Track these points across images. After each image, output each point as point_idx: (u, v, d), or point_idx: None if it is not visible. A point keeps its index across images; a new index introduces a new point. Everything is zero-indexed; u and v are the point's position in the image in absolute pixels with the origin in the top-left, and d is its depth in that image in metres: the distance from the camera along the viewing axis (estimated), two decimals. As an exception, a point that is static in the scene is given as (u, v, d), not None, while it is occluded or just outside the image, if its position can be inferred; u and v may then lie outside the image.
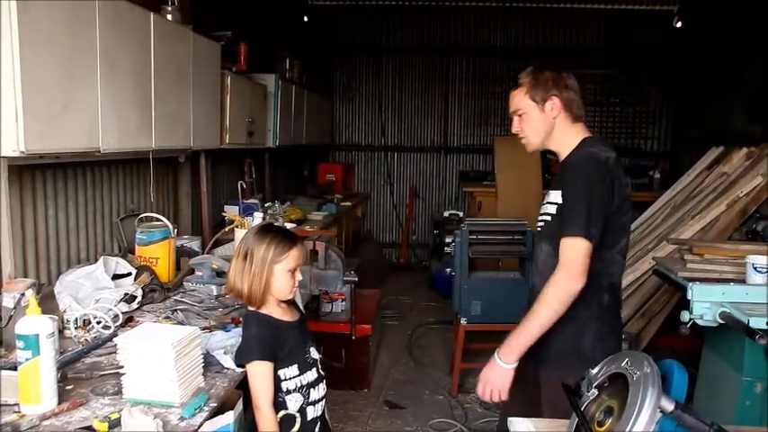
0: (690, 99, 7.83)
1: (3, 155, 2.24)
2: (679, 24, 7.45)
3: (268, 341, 2.07)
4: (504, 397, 2.17)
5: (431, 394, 4.60)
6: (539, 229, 2.35)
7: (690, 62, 7.65)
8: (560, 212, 2.17)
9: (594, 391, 1.55)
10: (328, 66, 8.82)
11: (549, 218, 2.24)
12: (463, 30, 8.74)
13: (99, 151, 2.68)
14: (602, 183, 2.09)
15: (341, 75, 9.07)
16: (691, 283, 2.90)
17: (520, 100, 2.25)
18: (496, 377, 2.16)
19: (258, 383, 2.04)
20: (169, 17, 3.46)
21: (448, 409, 4.33)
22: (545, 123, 2.24)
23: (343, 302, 4.36)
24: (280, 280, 2.09)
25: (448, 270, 6.78)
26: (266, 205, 4.06)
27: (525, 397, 2.29)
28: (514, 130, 2.32)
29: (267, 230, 2.15)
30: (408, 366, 5.15)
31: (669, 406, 1.35)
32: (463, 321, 4.40)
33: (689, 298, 2.89)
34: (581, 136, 2.24)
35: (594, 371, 1.59)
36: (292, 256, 2.10)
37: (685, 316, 2.87)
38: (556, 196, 2.21)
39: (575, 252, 2.06)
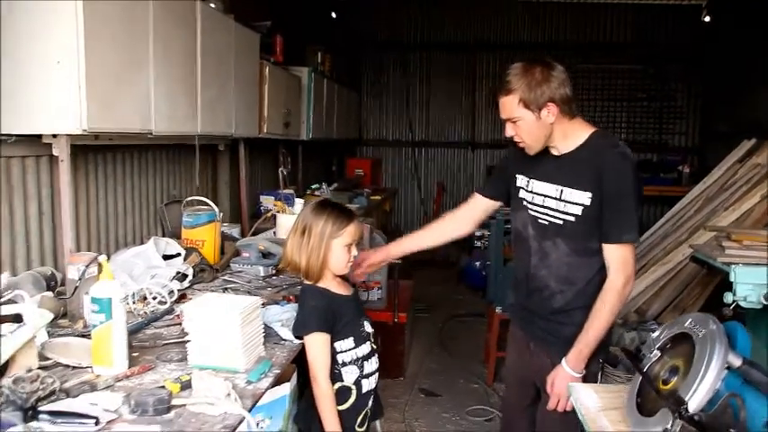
0: (718, 93, 7.79)
1: (66, 132, 2.33)
2: (708, 19, 7.42)
3: (325, 313, 2.12)
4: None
5: (465, 383, 4.64)
6: (544, 223, 2.28)
7: (718, 56, 7.63)
8: (587, 214, 2.14)
9: (657, 353, 1.58)
10: (356, 61, 8.89)
11: (571, 218, 2.18)
12: (490, 25, 8.77)
13: (151, 133, 2.76)
14: (639, 183, 2.15)
15: (369, 70, 9.14)
16: (734, 266, 2.92)
17: (513, 108, 2.14)
18: (562, 384, 2.17)
19: (316, 354, 2.09)
20: (212, 5, 3.53)
21: (484, 396, 4.36)
22: (543, 129, 2.16)
23: (380, 291, 4.40)
24: (337, 254, 2.14)
25: (477, 264, 6.83)
26: (314, 186, 4.11)
27: (525, 396, 2.45)
28: (509, 135, 2.23)
29: (325, 206, 2.19)
30: (441, 356, 5.19)
31: (737, 361, 1.38)
32: (498, 310, 4.43)
33: (731, 280, 2.90)
34: (586, 130, 2.21)
35: (655, 334, 1.63)
36: (349, 232, 2.15)
37: (729, 297, 2.89)
38: (579, 197, 2.16)
39: (631, 258, 2.13)
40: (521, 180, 2.36)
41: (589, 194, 2.13)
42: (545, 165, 2.25)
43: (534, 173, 2.30)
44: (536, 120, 2.12)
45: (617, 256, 2.12)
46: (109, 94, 2.41)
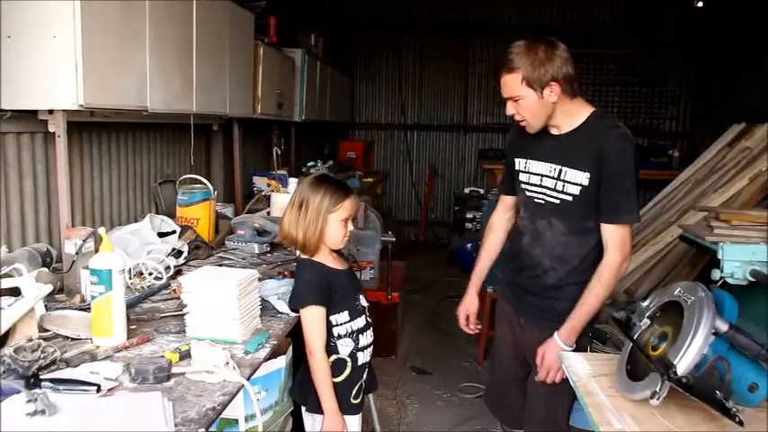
0: (709, 79, 7.84)
1: (63, 108, 2.34)
2: (700, 4, 7.45)
3: (321, 286, 2.15)
4: (555, 377, 2.24)
5: (457, 361, 4.70)
6: (540, 202, 2.30)
7: (709, 41, 7.67)
8: (586, 194, 2.17)
9: (647, 321, 1.62)
10: (349, 45, 8.87)
11: (569, 197, 2.20)
12: (483, 8, 8.75)
13: (147, 110, 2.77)
14: (637, 165, 2.17)
15: (361, 53, 9.13)
16: (721, 243, 2.97)
17: (515, 87, 2.12)
18: (553, 356, 2.21)
19: (312, 327, 2.12)
20: (207, -16, 3.53)
21: (475, 374, 4.43)
22: (545, 108, 2.15)
23: (372, 271, 4.44)
24: (333, 229, 2.16)
25: (469, 245, 6.87)
26: (309, 164, 4.13)
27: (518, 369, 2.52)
28: (510, 113, 2.22)
29: (322, 180, 2.22)
30: (433, 336, 5.25)
31: (724, 326, 1.42)
32: (489, 290, 4.47)
33: (719, 257, 2.96)
34: (586, 110, 2.21)
35: (645, 303, 1.67)
36: (346, 207, 2.17)
37: (716, 274, 2.94)
38: (578, 176, 2.17)
39: (628, 237, 2.17)
40: (518, 163, 2.38)
41: (587, 174, 2.15)
42: (543, 144, 2.27)
43: (531, 153, 2.32)
44: (538, 99, 2.12)
45: (615, 236, 2.16)
46: (105, 70, 2.42)
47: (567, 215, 2.23)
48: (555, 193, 2.25)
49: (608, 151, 2.12)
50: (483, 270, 2.63)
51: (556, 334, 2.22)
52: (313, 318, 2.12)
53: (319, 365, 2.14)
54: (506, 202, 2.58)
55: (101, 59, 2.37)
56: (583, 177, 2.16)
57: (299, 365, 2.34)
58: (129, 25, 2.58)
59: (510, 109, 2.21)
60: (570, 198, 2.21)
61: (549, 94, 2.11)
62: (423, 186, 9.24)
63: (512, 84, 2.13)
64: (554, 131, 2.25)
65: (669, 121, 8.80)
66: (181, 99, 3.11)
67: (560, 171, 2.22)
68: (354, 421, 2.28)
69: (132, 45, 2.62)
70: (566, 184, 2.21)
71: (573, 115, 2.21)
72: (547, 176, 2.27)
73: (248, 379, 1.75)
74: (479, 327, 2.71)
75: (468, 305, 2.62)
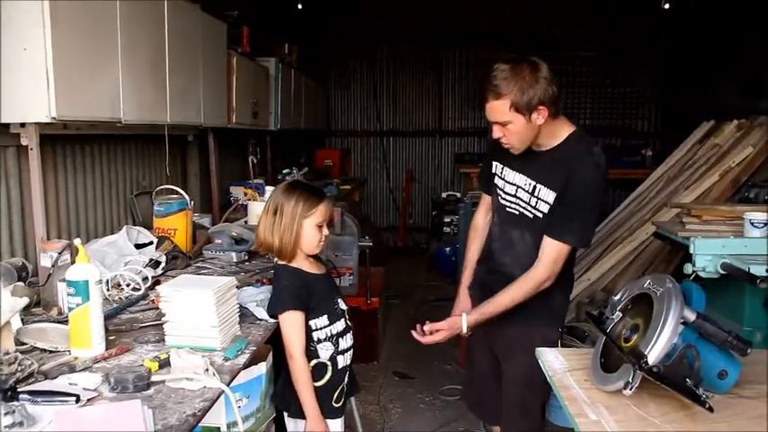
0: (679, 78, 7.97)
1: (35, 121, 2.34)
2: (667, 6, 7.57)
3: (299, 291, 2.16)
4: (437, 340, 2.36)
5: (439, 364, 4.73)
6: (513, 212, 2.35)
7: (678, 42, 7.80)
8: (552, 213, 2.23)
9: (619, 314, 1.66)
10: (323, 53, 8.88)
11: (539, 214, 2.26)
12: (455, 16, 8.80)
13: (121, 122, 2.77)
14: (604, 192, 2.25)
15: (335, 61, 9.16)
16: (693, 237, 3.02)
17: (503, 113, 2.12)
18: (451, 330, 2.33)
19: (291, 332, 2.14)
20: (178, -6, 3.53)
21: (457, 376, 4.44)
22: (532, 131, 2.17)
23: (351, 277, 4.45)
24: (308, 233, 2.18)
25: (448, 250, 6.91)
26: (285, 171, 4.14)
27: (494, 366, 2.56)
28: (496, 136, 2.22)
29: (295, 186, 2.24)
30: (414, 341, 5.21)
31: (691, 316, 1.46)
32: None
33: (691, 252, 3.01)
34: (567, 129, 2.25)
35: (617, 297, 1.71)
36: (320, 211, 2.20)
37: (688, 268, 2.99)
38: (548, 195, 2.22)
39: (561, 256, 2.23)
40: (495, 167, 2.43)
41: (555, 194, 2.21)
42: (521, 157, 2.29)
43: (509, 162, 2.36)
44: (526, 123, 2.13)
45: (551, 251, 2.22)
46: (77, 82, 2.41)
47: (539, 231, 2.28)
48: (530, 208, 2.30)
49: (575, 179, 2.17)
50: (471, 273, 2.64)
51: (464, 314, 2.31)
52: (292, 323, 2.14)
53: (299, 369, 2.15)
54: (487, 202, 2.61)
55: (72, 71, 2.37)
56: (551, 196, 2.22)
57: (280, 372, 2.35)
58: (100, 36, 2.58)
59: (497, 132, 2.21)
60: (541, 215, 2.27)
61: (536, 117, 2.13)
62: (400, 192, 9.28)
63: (500, 109, 2.13)
64: (534, 148, 2.28)
65: (641, 121, 8.94)
66: (155, 110, 3.11)
67: (534, 187, 2.27)
68: (337, 425, 2.30)
69: (104, 56, 2.62)
70: (539, 201, 2.26)
71: (554, 134, 2.25)
72: (522, 189, 2.32)
73: (228, 385, 1.75)
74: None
75: (463, 307, 2.63)
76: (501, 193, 2.40)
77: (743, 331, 3.09)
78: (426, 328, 2.32)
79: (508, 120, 2.13)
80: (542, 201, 2.25)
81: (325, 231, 2.25)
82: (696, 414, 1.46)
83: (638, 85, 8.81)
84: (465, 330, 2.31)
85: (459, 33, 8.82)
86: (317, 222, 2.19)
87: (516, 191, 2.33)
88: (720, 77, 6.74)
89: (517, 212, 2.34)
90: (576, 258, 2.47)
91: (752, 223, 3.10)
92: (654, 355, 1.43)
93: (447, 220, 7.38)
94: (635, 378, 1.45)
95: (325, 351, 2.22)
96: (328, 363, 2.24)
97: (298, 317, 2.14)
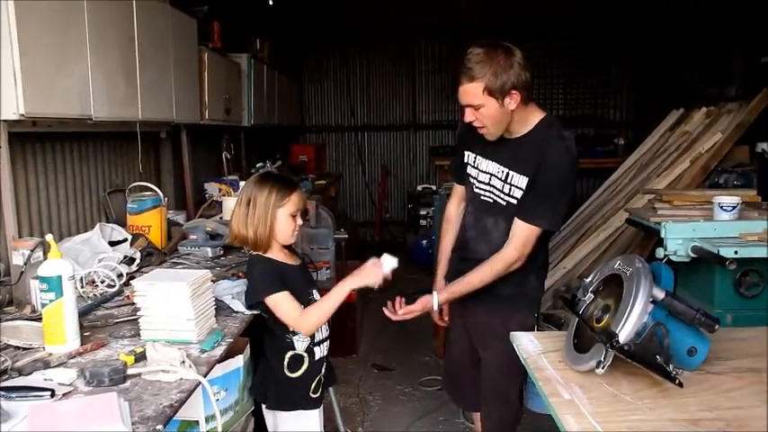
0: (649, 67, 8.07)
1: (3, 118, 2.30)
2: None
3: (273, 276, 2.16)
4: (407, 317, 2.36)
5: (417, 356, 4.75)
6: (487, 200, 2.37)
7: (647, 32, 7.89)
8: (524, 196, 2.26)
9: (590, 296, 1.69)
10: (296, 48, 8.86)
11: (513, 201, 2.28)
12: (426, 10, 8.79)
13: (91, 119, 2.74)
14: (575, 178, 2.28)
15: (308, 57, 9.14)
16: (664, 222, 3.07)
17: (476, 96, 2.14)
18: (423, 308, 2.36)
19: (283, 310, 2.12)
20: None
21: (435, 367, 4.46)
22: (505, 115, 2.19)
23: (328, 271, 4.45)
24: (282, 224, 2.18)
25: (424, 242, 6.93)
26: (258, 165, 4.13)
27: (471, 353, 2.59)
28: (469, 120, 2.23)
29: (267, 177, 2.24)
30: (393, 333, 5.26)
31: (660, 294, 1.49)
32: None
33: (662, 236, 3.05)
34: (537, 115, 2.28)
35: (588, 279, 1.73)
36: (293, 201, 2.20)
37: (660, 253, 3.04)
38: (521, 181, 2.25)
39: (531, 238, 2.26)
40: (468, 156, 2.44)
41: (527, 180, 2.23)
42: (493, 145, 2.31)
43: (481, 150, 2.37)
44: (499, 107, 2.15)
45: (521, 233, 2.25)
46: (46, 79, 2.39)
47: (511, 217, 2.30)
48: (503, 195, 2.32)
49: (546, 163, 2.20)
50: (446, 263, 2.66)
51: (436, 292, 2.35)
52: (282, 300, 2.11)
53: (314, 316, 2.16)
54: (460, 192, 2.62)
55: (40, 67, 2.35)
56: (523, 182, 2.25)
57: (258, 364, 2.35)
58: (68, 32, 2.55)
59: (469, 116, 2.22)
60: (514, 201, 2.29)
61: (509, 102, 2.15)
62: (376, 186, 9.29)
63: (472, 92, 2.15)
64: (505, 134, 2.29)
65: (613, 110, 9.02)
66: (126, 106, 3.08)
67: (507, 174, 2.29)
68: (315, 416, 2.30)
69: (73, 52, 2.59)
70: (512, 187, 2.29)
71: (525, 121, 2.27)
72: (495, 177, 2.33)
73: (205, 376, 1.75)
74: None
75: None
76: (474, 182, 2.41)
77: (714, 314, 3.14)
78: (401, 312, 2.31)
79: (481, 103, 2.15)
80: (516, 187, 2.27)
81: (299, 221, 2.25)
82: (667, 390, 1.49)
83: (610, 75, 8.89)
84: (436, 308, 2.35)
85: (432, 26, 8.82)
86: (290, 212, 2.19)
87: (490, 179, 2.35)
88: (689, 66, 6.83)
89: (491, 200, 2.36)
90: (550, 246, 2.50)
91: (721, 207, 3.15)
92: (624, 333, 1.46)
93: (423, 212, 7.40)
94: (607, 357, 1.47)
95: (300, 342, 2.22)
96: (305, 354, 2.24)
97: (284, 294, 2.11)
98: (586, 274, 4.84)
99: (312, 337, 2.25)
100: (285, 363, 2.22)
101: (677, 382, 1.42)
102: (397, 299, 2.36)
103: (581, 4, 8.34)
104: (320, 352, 2.30)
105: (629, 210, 4.23)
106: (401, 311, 2.32)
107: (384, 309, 2.39)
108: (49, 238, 1.93)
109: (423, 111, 9.23)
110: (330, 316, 2.21)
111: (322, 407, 2.36)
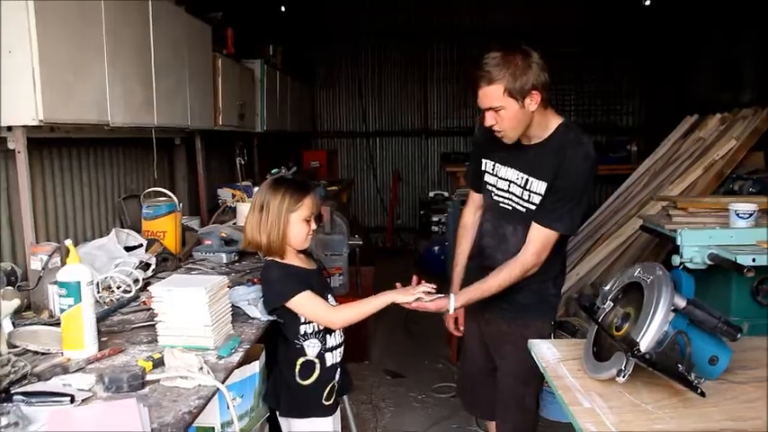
0: (662, 73, 8.03)
1: (22, 123, 2.32)
2: (648, 2, 7.63)
3: (295, 278, 2.16)
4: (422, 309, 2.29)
5: (430, 363, 4.74)
6: (506, 207, 2.36)
7: (659, 38, 7.86)
8: (542, 201, 2.25)
9: (610, 303, 1.68)
10: (308, 54, 8.89)
11: (532, 207, 2.27)
12: (439, 13, 8.82)
13: (108, 125, 2.76)
14: (592, 183, 2.26)
15: (320, 62, 9.17)
16: (680, 229, 3.05)
17: (497, 98, 2.13)
18: (438, 309, 2.29)
19: (312, 304, 2.14)
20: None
21: (448, 374, 4.46)
22: (525, 117, 2.18)
23: (341, 277, 4.44)
24: (296, 228, 2.17)
25: (436, 249, 6.92)
26: (274, 171, 4.14)
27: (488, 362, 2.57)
28: (489, 124, 2.21)
29: (281, 182, 2.23)
30: (405, 339, 5.27)
31: (682, 302, 1.48)
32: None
33: (678, 243, 3.03)
34: (556, 120, 2.27)
35: (607, 287, 1.72)
36: (306, 205, 2.19)
37: (676, 260, 3.01)
38: (540, 187, 2.24)
39: (549, 243, 2.25)
40: (485, 164, 2.43)
41: (546, 185, 2.22)
42: (512, 151, 2.31)
43: (500, 158, 2.36)
44: (520, 108, 2.14)
45: (539, 237, 2.24)
46: (64, 85, 2.40)
47: (530, 223, 2.29)
48: (522, 202, 2.31)
49: (565, 168, 2.19)
50: (462, 270, 2.64)
51: (452, 294, 2.30)
52: (306, 300, 2.12)
53: (347, 314, 2.20)
54: (476, 200, 2.61)
55: (60, 74, 2.37)
56: (542, 187, 2.24)
57: (273, 371, 2.35)
58: (86, 39, 2.57)
59: (489, 119, 2.20)
60: (533, 207, 2.27)
61: (529, 102, 2.15)
62: (388, 193, 9.30)
63: (493, 95, 2.13)
64: (524, 141, 2.28)
65: (625, 117, 9.00)
66: (142, 112, 3.10)
67: (527, 180, 2.28)
68: (328, 423, 2.29)
69: (90, 59, 2.61)
70: (531, 193, 2.27)
71: (545, 125, 2.26)
72: (514, 183, 2.32)
73: (223, 383, 1.75)
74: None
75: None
76: (493, 189, 2.40)
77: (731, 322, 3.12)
78: (414, 302, 2.26)
79: (501, 105, 2.14)
80: (535, 193, 2.26)
81: (313, 225, 2.23)
82: (688, 400, 1.47)
83: (622, 81, 8.87)
84: (452, 311, 2.31)
85: (444, 31, 8.83)
86: (304, 216, 2.18)
87: (509, 186, 2.34)
88: (702, 72, 6.81)
89: (510, 207, 2.35)
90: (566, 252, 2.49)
91: (737, 214, 3.13)
92: (646, 341, 1.45)
93: (435, 219, 7.41)
94: (628, 365, 1.46)
95: (311, 348, 2.21)
96: (316, 360, 2.22)
97: (308, 294, 2.12)
98: (599, 281, 4.88)
99: (323, 342, 2.24)
100: (297, 370, 2.21)
101: (699, 391, 1.41)
102: (414, 278, 2.31)
103: (591, 10, 8.33)
104: (332, 358, 2.28)
105: (642, 216, 4.20)
106: (414, 304, 2.26)
107: (397, 284, 2.35)
108: (68, 243, 1.94)
109: (434, 117, 9.24)
110: (361, 319, 2.22)
111: (338, 413, 2.35)
